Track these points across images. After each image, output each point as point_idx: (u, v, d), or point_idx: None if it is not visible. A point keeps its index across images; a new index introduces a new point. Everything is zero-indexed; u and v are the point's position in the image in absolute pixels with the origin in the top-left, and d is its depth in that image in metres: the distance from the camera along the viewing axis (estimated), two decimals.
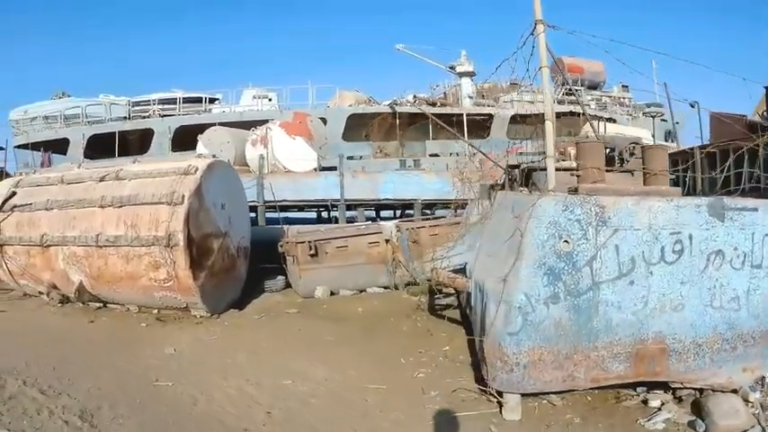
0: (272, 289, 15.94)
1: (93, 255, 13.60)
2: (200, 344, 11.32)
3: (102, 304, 13.92)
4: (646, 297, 7.47)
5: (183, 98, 37.46)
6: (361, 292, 15.57)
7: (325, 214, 28.15)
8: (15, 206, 15.04)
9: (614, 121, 38.40)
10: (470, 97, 39.64)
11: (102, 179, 14.34)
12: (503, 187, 12.85)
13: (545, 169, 9.94)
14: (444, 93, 42.05)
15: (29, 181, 15.76)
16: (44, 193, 14.87)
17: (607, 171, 9.12)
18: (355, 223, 20.92)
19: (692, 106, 13.22)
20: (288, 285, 16.15)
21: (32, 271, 14.72)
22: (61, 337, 11.34)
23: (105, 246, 13.37)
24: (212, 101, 38.72)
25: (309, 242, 15.16)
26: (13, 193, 15.35)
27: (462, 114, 37.47)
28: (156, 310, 13.44)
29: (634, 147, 13.29)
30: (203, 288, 13.10)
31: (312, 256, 15.12)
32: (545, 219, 7.48)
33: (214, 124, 31.17)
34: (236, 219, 15.11)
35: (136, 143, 35.29)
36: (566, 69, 41.13)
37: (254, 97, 38.30)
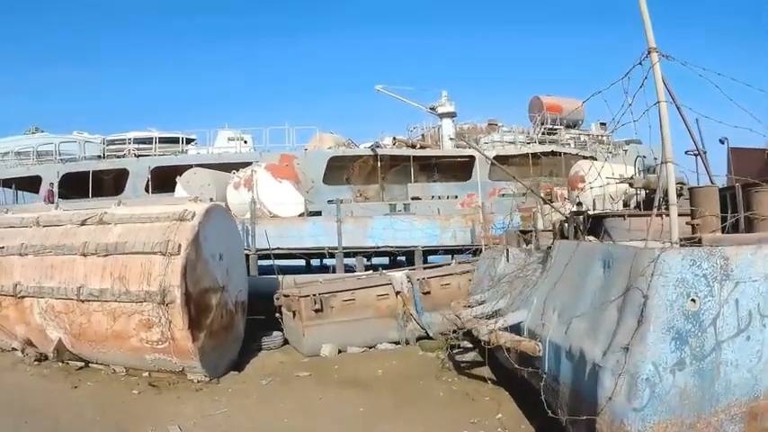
0: (270, 346, 14.31)
1: (75, 310, 11.78)
2: (210, 421, 9.47)
3: (83, 363, 12.23)
4: (760, 351, 6.58)
5: (159, 138, 35.60)
6: (370, 348, 14.19)
7: (315, 262, 26.06)
8: None
9: (595, 159, 36.58)
10: (451, 138, 38.42)
11: (83, 222, 12.57)
12: (561, 236, 11.15)
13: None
14: (422, 134, 40.96)
15: (1, 221, 13.86)
16: (17, 236, 13.07)
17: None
18: (356, 273, 19.61)
19: (722, 142, 11.93)
20: (285, 341, 14.67)
21: (4, 323, 12.87)
22: (43, 410, 9.59)
23: (88, 300, 11.59)
24: (189, 141, 36.88)
25: (314, 296, 13.73)
26: None
27: (443, 156, 36.95)
28: (146, 373, 11.76)
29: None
30: (203, 350, 11.35)
31: (317, 311, 13.71)
32: (672, 276, 6.28)
33: (191, 166, 29.49)
34: (233, 270, 13.40)
35: (110, 183, 33.25)
36: (544, 108, 41.12)
37: (230, 139, 36.43)
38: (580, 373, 7.09)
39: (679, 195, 10.90)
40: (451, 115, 39.35)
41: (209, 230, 12.02)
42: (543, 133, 39.80)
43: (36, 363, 12.33)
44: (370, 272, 18.60)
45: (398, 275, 14.98)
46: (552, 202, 31.25)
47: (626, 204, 14.51)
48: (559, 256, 8.94)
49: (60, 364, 12.20)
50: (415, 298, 14.44)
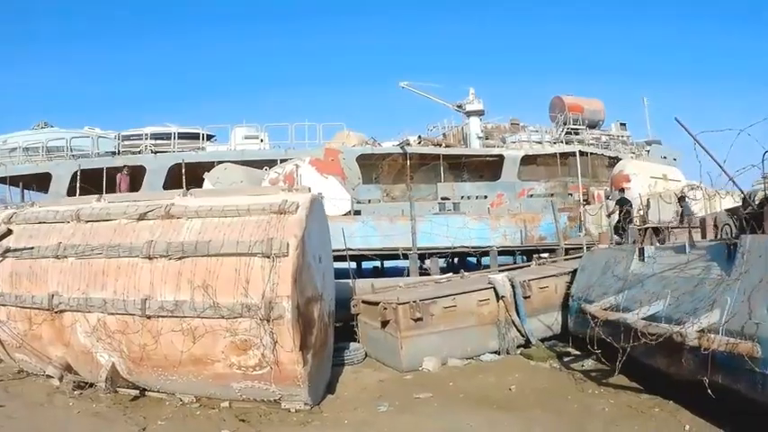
0: (354, 361, 11.91)
1: (137, 328, 8.73)
2: None
3: (138, 392, 9.44)
4: None
5: (179, 133, 32.14)
6: (471, 360, 12.10)
7: (366, 264, 22.96)
8: (9, 250, 10.08)
9: (619, 159, 34.94)
10: (480, 137, 36.26)
11: (142, 217, 9.43)
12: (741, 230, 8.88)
13: None
14: (444, 134, 38.45)
15: (28, 215, 10.67)
16: (51, 234, 9.97)
17: None
18: (433, 276, 17.61)
19: None
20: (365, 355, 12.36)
21: (35, 344, 9.80)
22: None
23: (157, 316, 8.58)
24: (209, 137, 33.41)
25: (414, 303, 11.52)
26: (8, 232, 10.31)
27: (472, 156, 34.87)
28: (226, 403, 9.08)
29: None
30: (310, 375, 8.71)
31: (416, 319, 11.52)
32: None
33: (212, 163, 26.41)
34: (327, 275, 10.81)
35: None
36: (566, 108, 39.37)
37: (246, 137, 32.91)
38: None
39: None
40: (479, 113, 37.18)
41: (312, 227, 9.23)
42: (567, 133, 38.02)
43: (76, 391, 9.45)
44: (450, 274, 16.72)
45: (500, 278, 12.91)
46: (588, 202, 29.26)
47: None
48: (754, 251, 7.82)
49: (108, 394, 9.27)
50: (518, 303, 12.59)
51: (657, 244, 12.06)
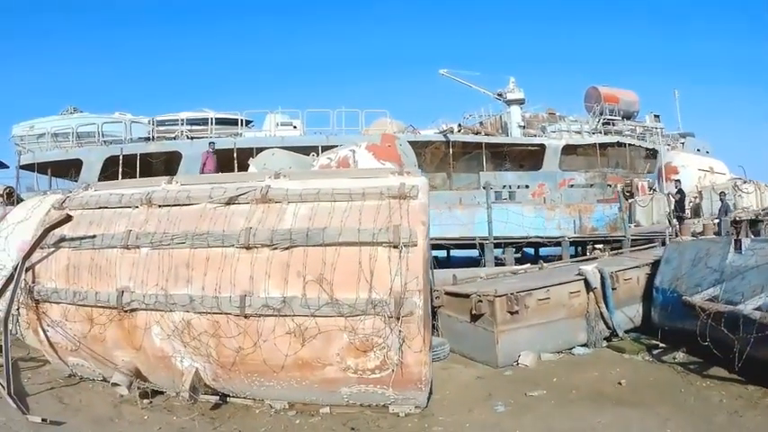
0: (440, 357, 11.02)
1: (232, 329, 7.43)
2: None
3: (218, 398, 8.24)
4: None
5: (216, 119, 30.86)
6: (562, 354, 11.57)
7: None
8: (64, 239, 8.71)
9: (657, 152, 35.65)
10: (521, 126, 35.54)
11: (231, 201, 8.07)
12: None
13: None
14: (481, 122, 37.72)
15: (85, 200, 9.26)
16: (117, 220, 8.60)
17: None
18: (509, 267, 17.31)
19: None
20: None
21: (96, 347, 8.41)
22: None
23: (259, 315, 7.26)
24: (247, 123, 32.14)
25: (512, 295, 10.80)
26: (68, 218, 8.79)
27: (514, 144, 34.36)
28: (326, 409, 7.96)
29: None
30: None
31: (512, 313, 10.82)
32: None
33: (252, 149, 25.47)
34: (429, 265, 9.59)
35: (160, 167, 28.16)
36: (602, 99, 39.15)
37: (279, 124, 31.67)
38: None
39: None
40: (520, 102, 36.79)
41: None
42: (603, 124, 37.74)
43: (145, 401, 8.19)
44: (528, 265, 16.49)
45: (590, 269, 12.38)
46: (632, 194, 28.16)
47: None
48: None
49: (186, 400, 7.89)
50: (607, 294, 12.14)
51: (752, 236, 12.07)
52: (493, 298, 10.62)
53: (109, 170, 26.93)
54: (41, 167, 28.22)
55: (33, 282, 8.78)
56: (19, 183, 26.71)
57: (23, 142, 29.91)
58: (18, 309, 9.16)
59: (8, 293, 8.64)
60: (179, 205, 8.30)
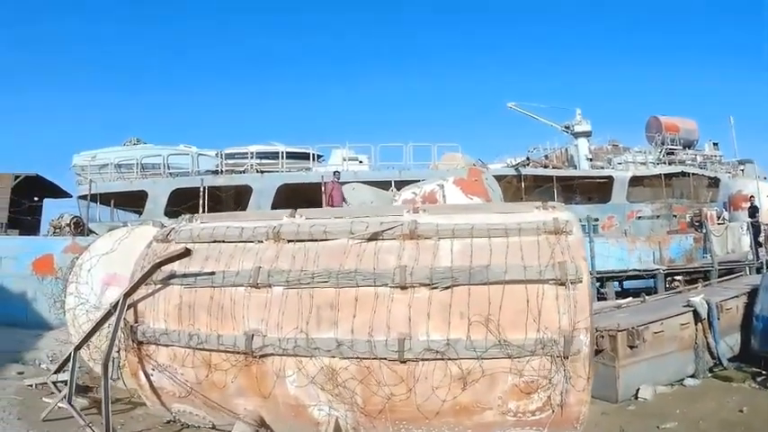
0: None
1: (385, 375, 7.11)
2: None
3: None
4: None
5: (286, 153, 30.95)
6: (673, 386, 11.86)
7: None
8: (175, 275, 8.34)
9: (719, 180, 36.69)
10: (589, 159, 36.14)
11: (375, 236, 7.73)
12: None
13: None
14: (546, 155, 38.10)
15: (196, 233, 8.91)
16: (242, 256, 8.20)
17: None
18: (624, 300, 17.00)
19: None
20: None
21: (213, 394, 8.05)
22: None
23: (420, 360, 6.99)
24: (318, 157, 32.37)
25: (633, 329, 11.24)
26: (186, 252, 8.37)
27: (583, 177, 34.61)
28: None
29: None
30: None
31: (632, 347, 11.22)
32: None
33: (324, 183, 24.92)
34: None
35: (229, 201, 28.55)
36: (663, 128, 39.60)
37: (344, 159, 31.64)
38: None
39: None
40: (587, 134, 37.19)
41: None
42: (665, 153, 38.24)
43: None
44: (629, 299, 17.29)
45: (698, 300, 12.79)
46: (701, 224, 28.32)
47: None
48: None
49: None
50: (713, 324, 12.53)
51: None
52: (615, 333, 10.95)
53: (175, 203, 26.90)
54: (104, 198, 28.32)
55: (136, 321, 8.51)
56: (81, 213, 26.83)
57: (84, 172, 30.02)
58: (118, 351, 8.85)
59: (91, 331, 8.63)
60: (314, 240, 7.96)
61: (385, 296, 7.10)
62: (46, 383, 9.93)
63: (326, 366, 7.20)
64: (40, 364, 13.35)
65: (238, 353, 7.61)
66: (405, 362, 6.91)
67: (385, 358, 6.94)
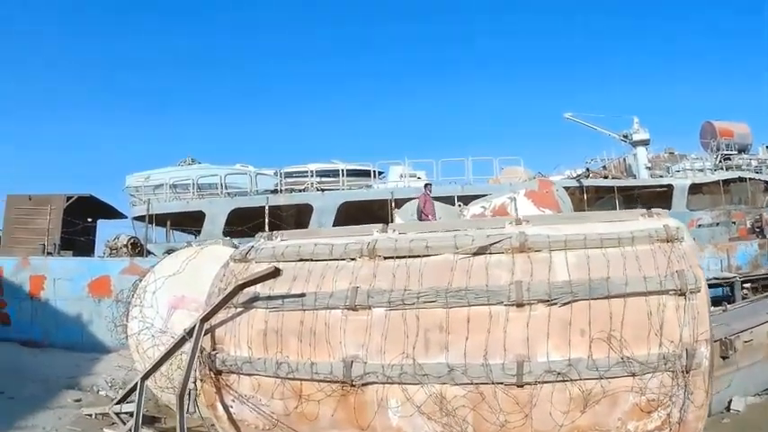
0: None
1: (501, 400, 6.80)
2: None
3: None
4: None
5: (347, 170, 30.90)
6: (761, 396, 11.78)
7: None
8: (257, 298, 8.05)
9: None
10: (648, 167, 35.67)
11: (480, 251, 7.44)
12: None
13: None
14: (604, 165, 37.56)
15: (279, 251, 8.57)
16: (334, 275, 7.88)
17: None
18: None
19: None
20: None
21: (303, 427, 7.69)
22: None
23: (540, 382, 6.71)
24: (378, 174, 32.25)
25: (725, 339, 11.05)
26: (276, 272, 8.06)
27: (643, 186, 34.13)
28: None
29: None
30: None
31: (724, 357, 10.96)
32: None
33: (385, 201, 25.79)
34: None
35: (290, 220, 28.25)
36: (717, 133, 39.15)
37: (402, 175, 31.64)
38: None
39: None
40: (645, 143, 36.68)
41: None
42: (721, 159, 37.61)
43: None
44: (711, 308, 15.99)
45: None
46: (762, 229, 29.27)
47: None
48: None
49: None
50: None
51: None
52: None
53: (233, 222, 26.87)
54: (159, 219, 28.43)
55: (214, 349, 8.24)
56: (138, 233, 26.91)
57: (138, 193, 30.27)
58: (194, 382, 8.53)
59: (161, 359, 8.51)
60: (415, 257, 7.67)
61: (500, 315, 6.86)
62: (107, 414, 9.73)
63: (436, 394, 6.93)
64: (98, 390, 13.28)
65: (335, 382, 7.33)
66: (522, 386, 6.66)
67: (501, 383, 6.68)
